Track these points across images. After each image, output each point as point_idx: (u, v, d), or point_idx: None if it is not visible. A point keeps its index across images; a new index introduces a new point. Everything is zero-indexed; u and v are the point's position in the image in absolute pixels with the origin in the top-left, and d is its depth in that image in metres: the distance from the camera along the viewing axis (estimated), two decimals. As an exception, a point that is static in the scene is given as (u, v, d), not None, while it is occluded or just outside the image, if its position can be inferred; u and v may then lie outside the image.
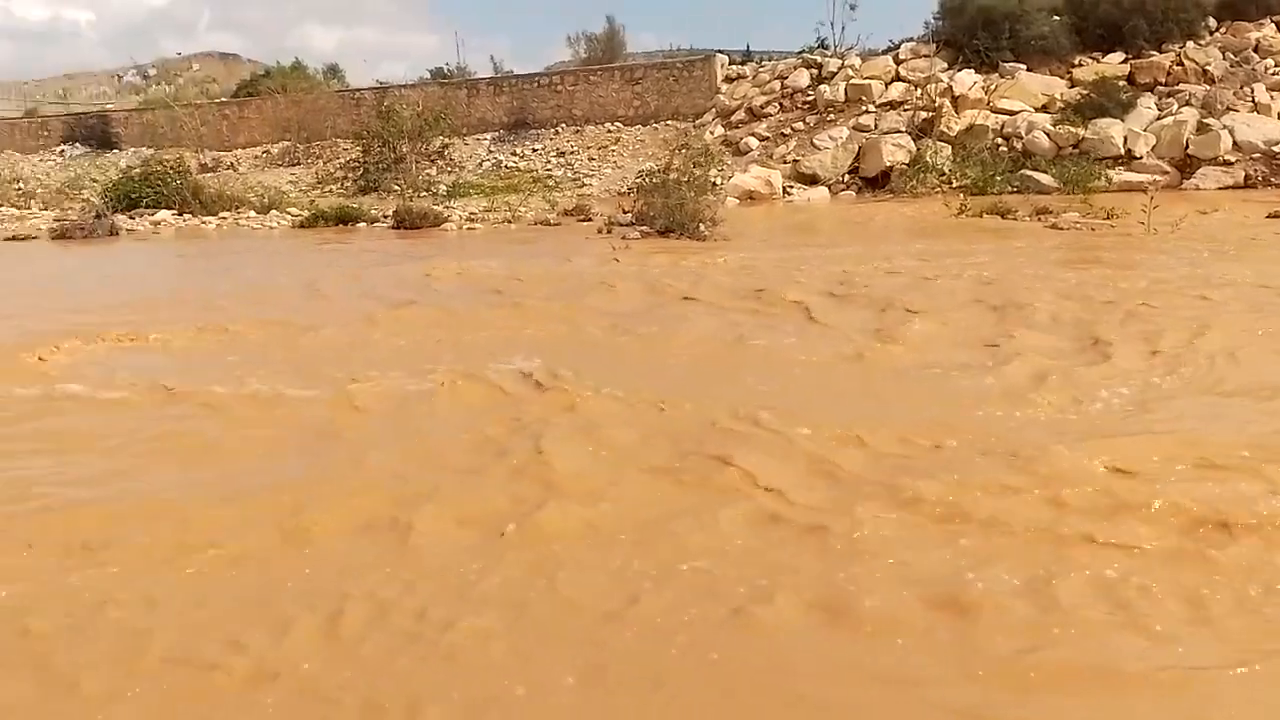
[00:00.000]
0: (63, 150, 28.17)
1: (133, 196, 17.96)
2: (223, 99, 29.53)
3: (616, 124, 22.04)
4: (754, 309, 7.17)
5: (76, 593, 2.95)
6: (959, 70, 18.79)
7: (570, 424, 4.41)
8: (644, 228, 12.58)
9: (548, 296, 8.02)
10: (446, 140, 21.71)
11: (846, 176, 17.94)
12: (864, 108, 18.92)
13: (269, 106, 25.73)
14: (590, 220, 14.66)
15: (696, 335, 6.32)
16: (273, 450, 4.30)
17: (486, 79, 24.88)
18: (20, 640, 2.70)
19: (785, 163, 18.58)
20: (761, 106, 20.33)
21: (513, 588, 2.90)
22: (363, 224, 15.94)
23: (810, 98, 19.91)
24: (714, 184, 15.62)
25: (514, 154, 21.92)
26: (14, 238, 15.90)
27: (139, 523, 3.46)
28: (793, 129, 19.47)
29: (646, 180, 13.38)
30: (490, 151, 22.34)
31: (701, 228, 12.13)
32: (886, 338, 6.00)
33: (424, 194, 18.79)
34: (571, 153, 21.36)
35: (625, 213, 13.47)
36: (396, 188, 19.34)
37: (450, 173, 21.02)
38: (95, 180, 22.26)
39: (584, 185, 19.42)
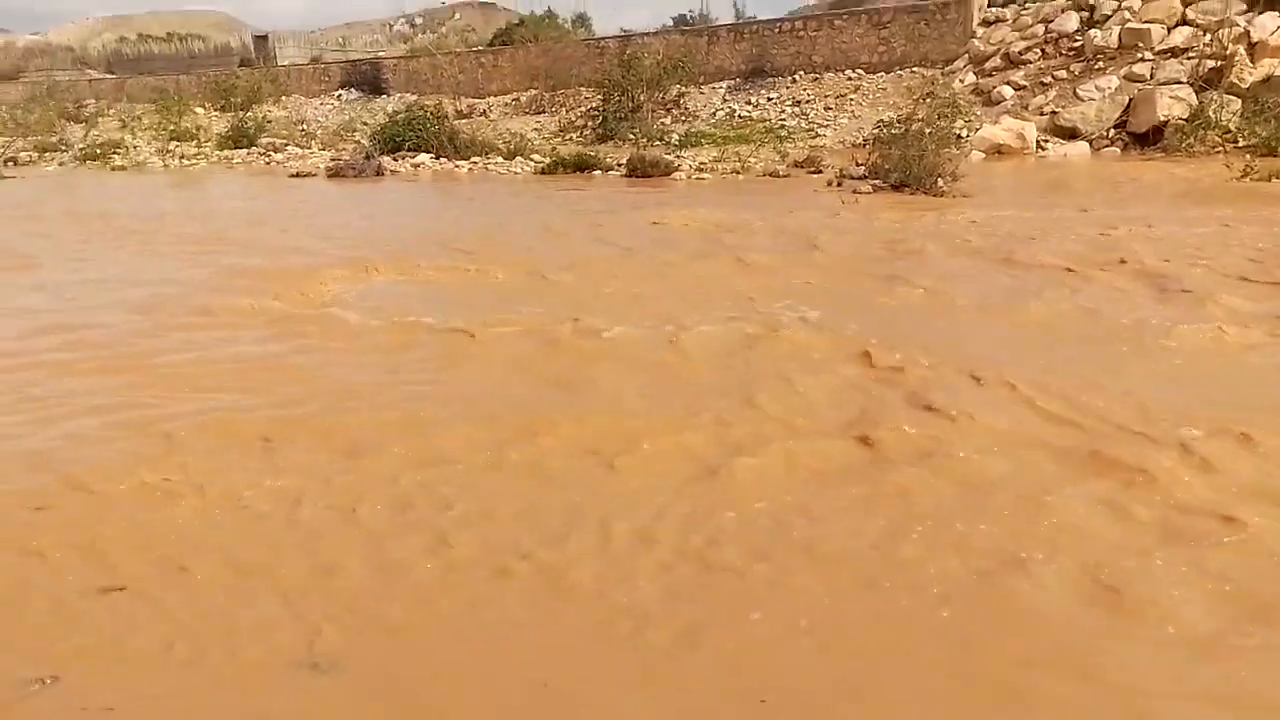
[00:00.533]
0: (340, 95, 30.96)
1: (397, 140, 19.52)
2: (479, 48, 31.26)
3: (858, 71, 21.24)
4: (1013, 273, 6.75)
5: (341, 489, 3.35)
6: (1260, 13, 16.46)
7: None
8: (876, 181, 12.14)
9: (780, 249, 7.99)
10: (683, 89, 21.84)
11: (1111, 131, 16.32)
12: (1139, 55, 17.06)
13: (520, 55, 26.95)
14: (820, 172, 14.33)
15: (973, 297, 5.99)
16: (518, 381, 4.60)
17: (727, 25, 24.70)
18: (291, 530, 3.11)
19: (1042, 114, 17.18)
20: (1020, 53, 18.84)
21: (749, 525, 2.99)
22: (598, 171, 16.45)
23: (1077, 43, 18.21)
24: (959, 136, 14.75)
25: (748, 103, 21.71)
26: (297, 174, 17.82)
27: (395, 433, 3.86)
28: (1054, 77, 17.92)
29: (885, 131, 12.84)
30: (725, 100, 22.25)
31: (940, 182, 11.54)
32: (1191, 315, 5.33)
33: (657, 143, 19.08)
34: (807, 102, 20.85)
35: (858, 165, 13.04)
36: (632, 136, 19.74)
37: (684, 122, 21.17)
38: (365, 124, 24.38)
39: (817, 136, 18.95)
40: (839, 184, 12.52)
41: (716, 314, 5.63)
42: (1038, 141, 16.33)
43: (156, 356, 5.13)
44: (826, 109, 20.35)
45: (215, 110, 28.66)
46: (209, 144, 23.62)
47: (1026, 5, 20.33)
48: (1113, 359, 4.63)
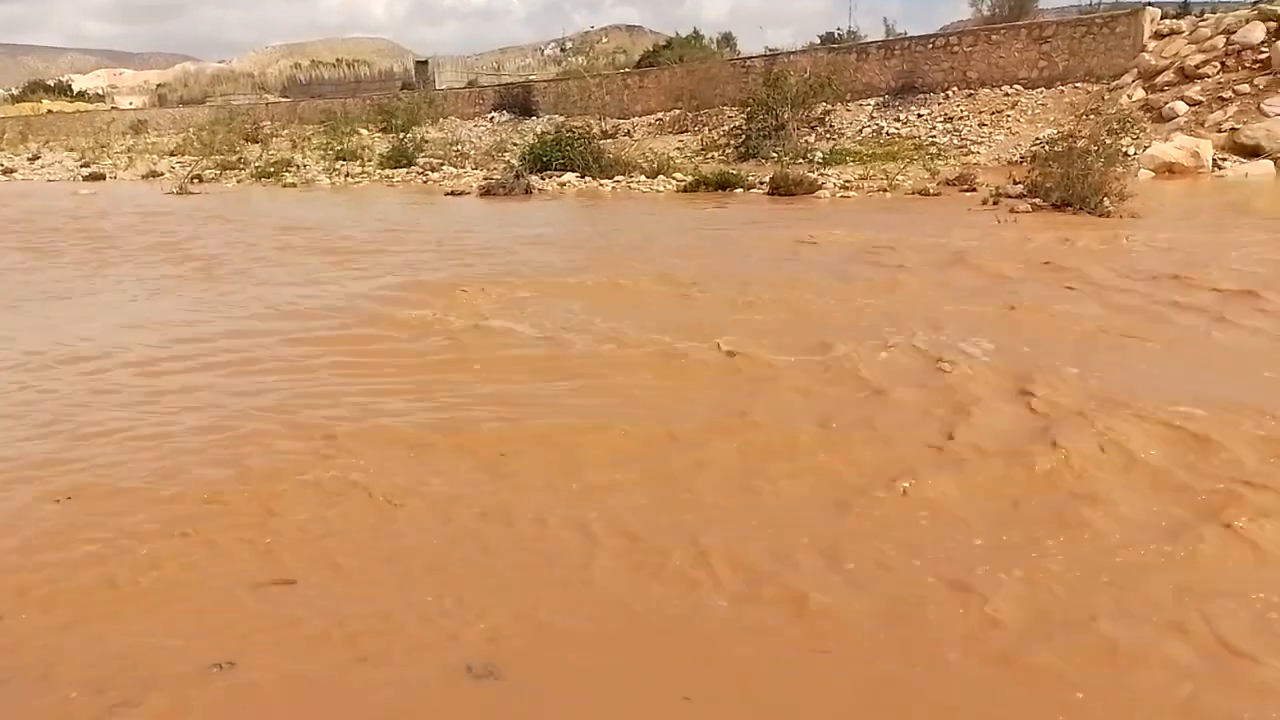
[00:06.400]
0: (492, 116, 32.10)
1: (544, 159, 20.07)
2: (625, 70, 31.82)
3: (1015, 87, 20.37)
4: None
5: (488, 494, 3.44)
6: None
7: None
8: (1035, 200, 11.60)
9: (936, 266, 7.73)
10: (828, 107, 21.52)
11: (1301, 149, 15.04)
12: (1337, 65, 15.68)
13: (665, 76, 27.24)
14: (974, 191, 13.81)
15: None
16: (666, 393, 4.62)
17: (877, 42, 24.21)
18: (443, 525, 3.21)
19: (1220, 131, 16.01)
20: (1197, 66, 17.63)
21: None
22: (740, 190, 16.40)
23: (1263, 55, 16.89)
24: (1125, 154, 13.91)
25: (897, 120, 21.18)
26: (452, 193, 18.60)
27: (540, 443, 3.94)
28: (1235, 92, 16.68)
29: (1046, 148, 12.26)
30: (872, 118, 21.78)
31: (1105, 202, 10.91)
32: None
33: (800, 161, 18.86)
34: (960, 118, 20.15)
35: (1015, 183, 12.50)
36: (775, 154, 19.59)
37: (829, 139, 20.85)
38: (515, 144, 25.18)
39: (970, 153, 18.27)
40: (994, 202, 12.02)
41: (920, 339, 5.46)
42: (1214, 160, 15.22)
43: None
44: (981, 125, 19.61)
45: (378, 131, 30.25)
46: (371, 163, 24.96)
47: (1205, 16, 19.05)
48: None
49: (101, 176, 28.51)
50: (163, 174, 27.26)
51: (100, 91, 67.10)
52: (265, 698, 2.35)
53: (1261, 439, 3.67)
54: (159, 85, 66.37)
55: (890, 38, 24.61)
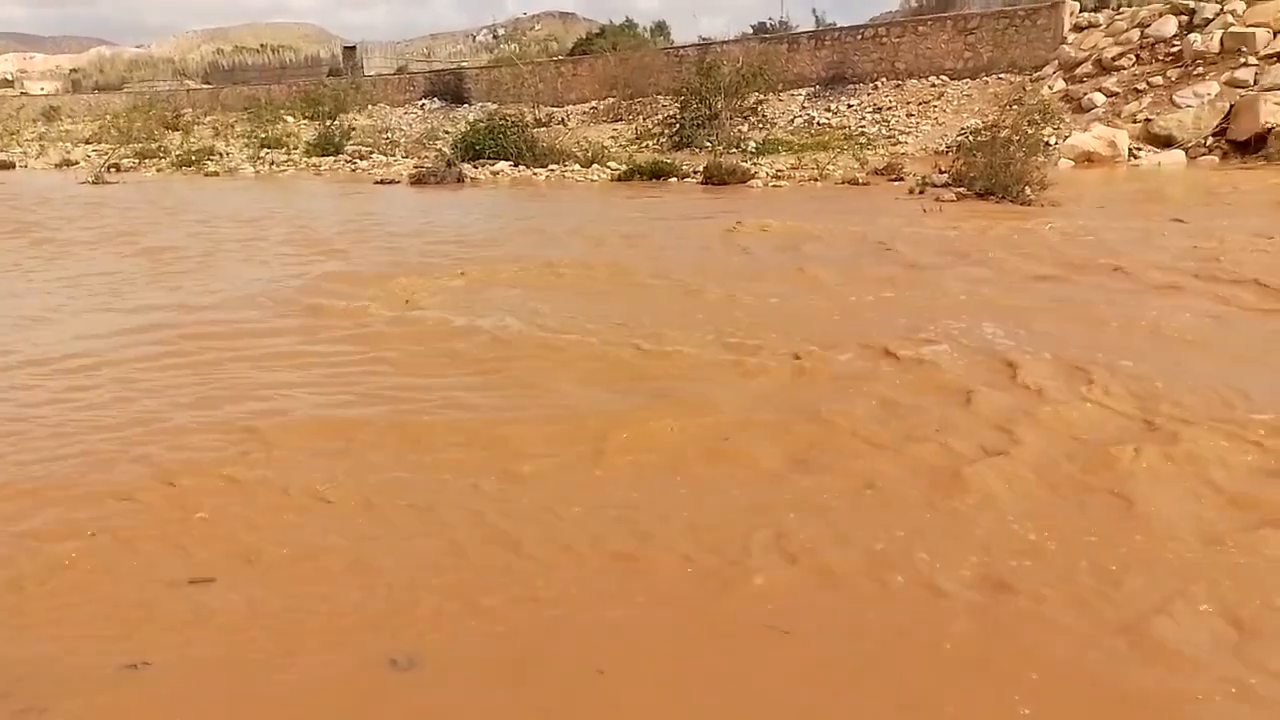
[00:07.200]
0: (423, 104, 31.61)
1: (477, 148, 19.83)
2: (559, 57, 31.59)
3: (942, 77, 20.79)
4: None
5: (410, 488, 3.39)
6: (1377, 12, 15.60)
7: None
8: (960, 189, 11.85)
9: (871, 255, 7.85)
10: (761, 96, 21.66)
11: (1210, 139, 15.64)
12: (1242, 60, 16.32)
13: (599, 64, 27.14)
14: (901, 180, 14.06)
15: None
16: (593, 381, 4.60)
17: (808, 33, 24.47)
18: (365, 519, 3.16)
19: (1135, 122, 16.57)
20: (1113, 58, 18.22)
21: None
22: (674, 179, 16.43)
23: (1175, 48, 17.51)
24: (1047, 143, 14.30)
25: (828, 110, 21.45)
26: (382, 181, 18.25)
27: (466, 434, 3.89)
28: (1148, 84, 17.27)
29: (970, 138, 12.52)
30: (803, 108, 22.02)
31: (1027, 190, 11.20)
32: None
33: (734, 150, 18.96)
34: (889, 108, 20.50)
35: (941, 172, 12.76)
36: (709, 144, 19.67)
37: (761, 129, 21.00)
38: (448, 132, 24.82)
39: (899, 143, 18.60)
40: (921, 191, 12.26)
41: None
42: (1130, 150, 15.75)
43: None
44: (909, 116, 19.96)
45: (304, 119, 29.53)
46: (297, 151, 24.36)
47: (1121, 10, 19.66)
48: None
49: (11, 165, 27.30)
50: (77, 162, 26.24)
51: (9, 77, 64.20)
52: (182, 697, 2.28)
53: None
54: (72, 70, 63.72)
55: (820, 28, 24.92)
